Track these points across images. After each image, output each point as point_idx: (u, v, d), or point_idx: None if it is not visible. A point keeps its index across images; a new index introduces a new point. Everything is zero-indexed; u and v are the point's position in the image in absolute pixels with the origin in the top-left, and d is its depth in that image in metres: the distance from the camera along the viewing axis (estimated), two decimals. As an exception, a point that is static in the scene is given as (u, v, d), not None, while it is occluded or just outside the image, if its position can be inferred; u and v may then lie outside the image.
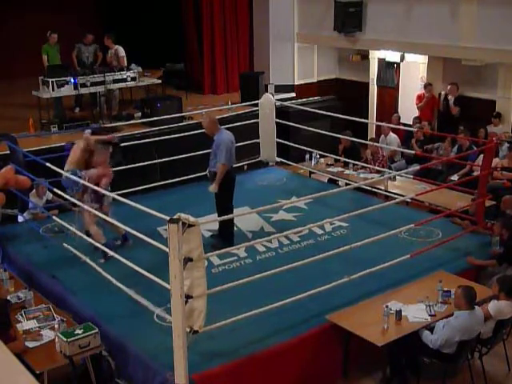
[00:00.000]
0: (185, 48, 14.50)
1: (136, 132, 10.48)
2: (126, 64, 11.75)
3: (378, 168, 10.14)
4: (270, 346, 5.73)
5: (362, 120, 11.20)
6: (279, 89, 13.47)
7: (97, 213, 7.15)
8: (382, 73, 13.49)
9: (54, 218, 7.99)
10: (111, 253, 6.99)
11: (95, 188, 7.06)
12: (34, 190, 8.67)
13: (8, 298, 6.34)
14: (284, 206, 8.72)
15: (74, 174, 7.25)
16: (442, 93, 11.84)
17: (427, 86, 11.98)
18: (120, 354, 5.85)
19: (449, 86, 11.62)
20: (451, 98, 11.58)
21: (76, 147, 7.57)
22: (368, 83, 13.78)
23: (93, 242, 7.26)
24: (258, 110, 10.70)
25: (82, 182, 7.18)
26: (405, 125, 11.79)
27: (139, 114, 11.43)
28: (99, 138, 7.69)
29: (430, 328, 5.84)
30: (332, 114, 10.63)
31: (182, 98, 11.96)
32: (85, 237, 7.37)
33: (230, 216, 7.50)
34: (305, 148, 10.81)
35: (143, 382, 5.59)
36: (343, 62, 14.42)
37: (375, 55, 13.45)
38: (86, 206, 7.25)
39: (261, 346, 5.72)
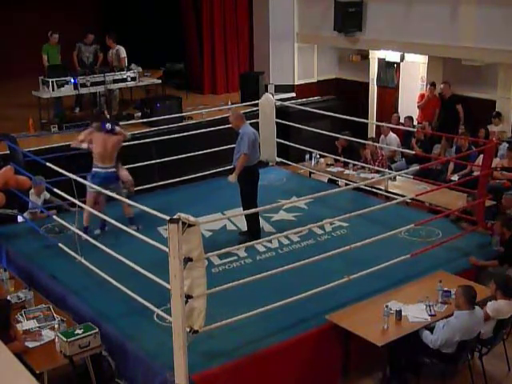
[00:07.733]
0: (185, 48, 14.49)
1: (136, 132, 10.47)
2: (126, 65, 11.76)
3: (377, 168, 10.14)
4: (270, 346, 5.73)
5: (362, 120, 11.20)
6: (279, 89, 13.47)
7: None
8: (382, 73, 13.48)
9: (54, 217, 7.99)
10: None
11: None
12: (33, 189, 8.65)
13: (8, 298, 6.34)
14: (284, 205, 8.72)
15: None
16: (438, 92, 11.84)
17: (431, 85, 11.95)
18: (120, 354, 5.85)
19: (442, 85, 11.60)
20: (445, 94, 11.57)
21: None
22: (368, 83, 13.77)
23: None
24: (257, 110, 10.68)
25: None
26: (404, 125, 11.78)
27: (139, 113, 11.43)
28: None
29: (430, 328, 5.84)
30: (332, 114, 10.63)
31: (182, 97, 11.95)
32: (84, 236, 7.38)
33: (229, 216, 7.57)
34: (305, 148, 10.80)
35: (143, 382, 5.59)
36: (343, 62, 14.41)
37: (375, 55, 13.44)
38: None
39: (261, 345, 5.72)
